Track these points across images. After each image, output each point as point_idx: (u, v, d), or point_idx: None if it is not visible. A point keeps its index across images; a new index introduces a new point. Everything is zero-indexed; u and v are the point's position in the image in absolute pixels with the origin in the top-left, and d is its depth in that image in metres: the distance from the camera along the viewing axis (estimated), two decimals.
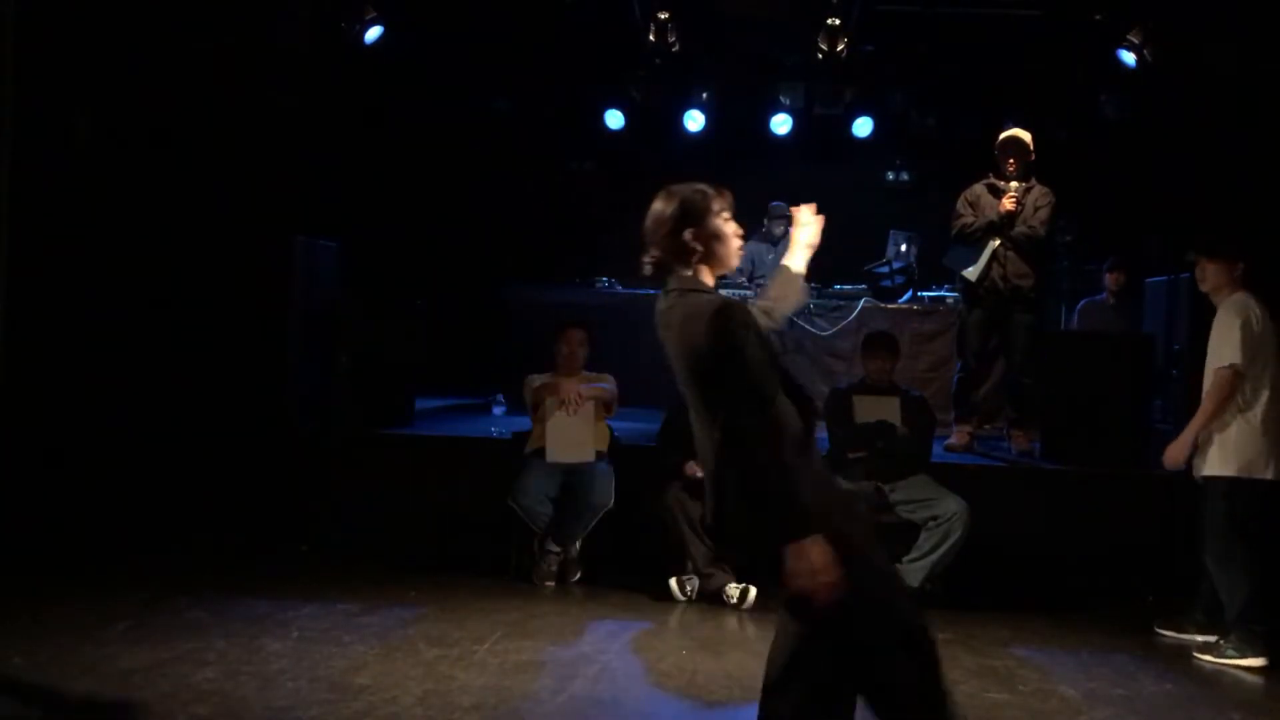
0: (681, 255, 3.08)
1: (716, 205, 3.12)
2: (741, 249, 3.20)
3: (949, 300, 8.79)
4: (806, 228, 3.40)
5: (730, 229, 3.14)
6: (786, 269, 3.37)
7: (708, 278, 3.13)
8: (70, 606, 5.14)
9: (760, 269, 9.74)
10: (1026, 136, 7.09)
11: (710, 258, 3.11)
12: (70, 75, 6.70)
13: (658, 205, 3.13)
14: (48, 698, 4.12)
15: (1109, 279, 8.69)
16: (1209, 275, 5.31)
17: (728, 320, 2.91)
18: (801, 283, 3.39)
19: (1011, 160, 7.04)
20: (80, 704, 4.08)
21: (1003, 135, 7.13)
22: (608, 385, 6.41)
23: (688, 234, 3.07)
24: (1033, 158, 7.08)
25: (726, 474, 2.94)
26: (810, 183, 10.55)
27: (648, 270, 3.14)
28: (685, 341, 2.98)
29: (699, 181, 3.16)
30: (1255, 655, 5.03)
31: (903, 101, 10.36)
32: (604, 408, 6.38)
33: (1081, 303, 8.86)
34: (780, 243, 9.87)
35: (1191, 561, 5.49)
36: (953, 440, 7.27)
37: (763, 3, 9.09)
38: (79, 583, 5.59)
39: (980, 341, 7.24)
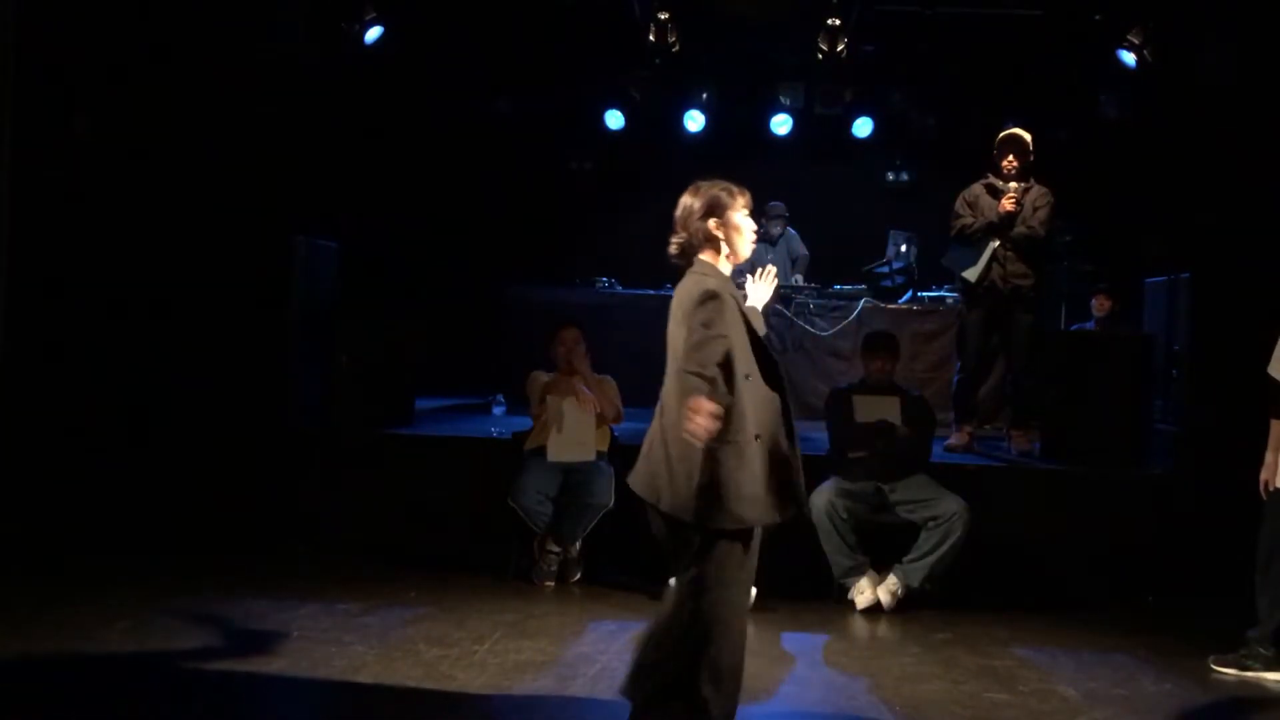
0: (703, 241, 3.62)
1: (739, 201, 3.62)
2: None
3: (949, 300, 8.79)
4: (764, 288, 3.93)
5: (748, 224, 3.66)
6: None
7: (723, 266, 3.65)
8: (70, 606, 5.14)
9: (759, 268, 9.73)
10: (1026, 136, 7.09)
11: (729, 245, 3.63)
12: (70, 75, 6.70)
13: (687, 198, 3.66)
14: (48, 697, 4.13)
15: (1096, 304, 8.70)
16: None
17: (713, 297, 3.47)
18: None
19: (1010, 159, 7.04)
20: (80, 704, 4.08)
21: (1002, 134, 7.13)
22: (618, 403, 6.39)
23: (711, 223, 3.60)
24: (1032, 158, 7.07)
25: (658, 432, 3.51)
26: (810, 183, 10.74)
27: (673, 249, 3.69)
28: (678, 308, 3.56)
29: (720, 179, 3.65)
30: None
31: (903, 101, 10.36)
32: (614, 415, 6.38)
33: (1073, 328, 8.88)
34: (778, 242, 9.88)
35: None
36: (953, 440, 7.27)
37: (763, 3, 9.09)
38: (79, 583, 5.59)
39: (980, 342, 7.24)
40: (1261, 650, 4.94)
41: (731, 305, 3.54)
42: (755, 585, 5.65)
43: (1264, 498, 5.03)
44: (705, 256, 3.63)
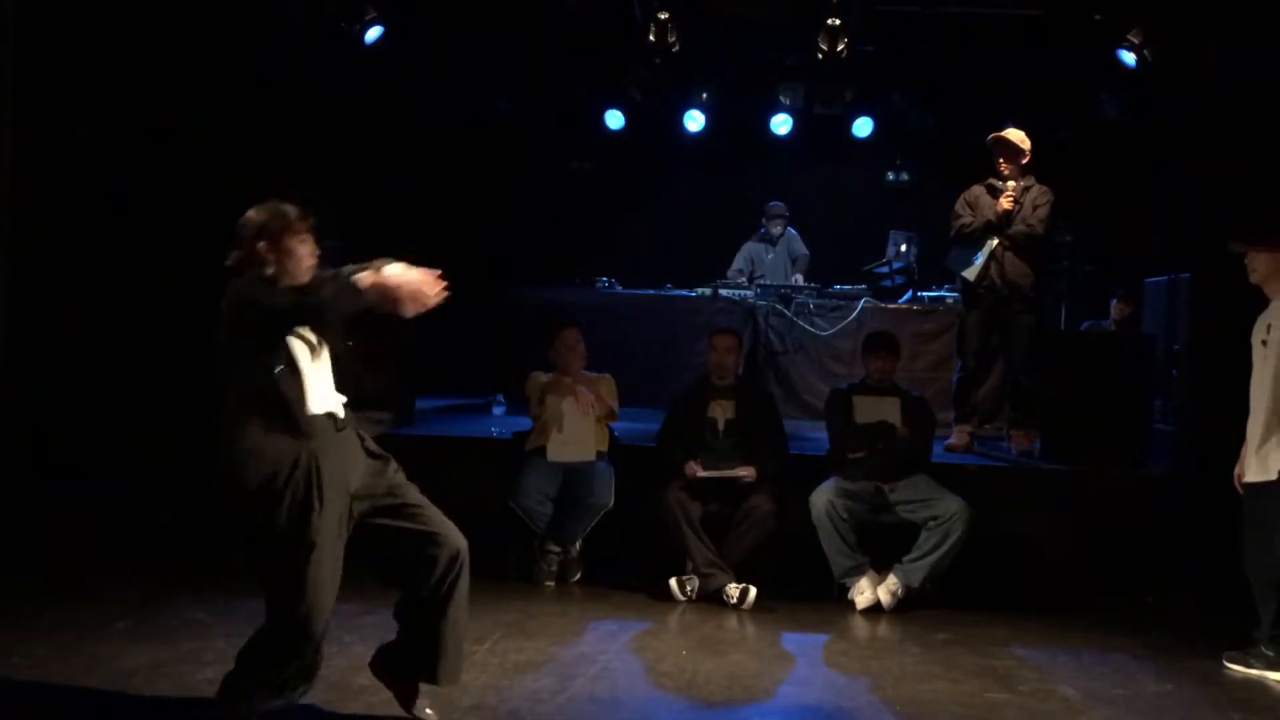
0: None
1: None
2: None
3: (949, 300, 8.79)
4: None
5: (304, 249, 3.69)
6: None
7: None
8: (70, 606, 5.14)
9: (759, 268, 9.75)
10: (1015, 136, 7.06)
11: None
12: (70, 75, 6.69)
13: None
14: (48, 698, 4.13)
15: (1115, 308, 8.71)
16: (1260, 265, 5.11)
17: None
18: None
19: (1002, 161, 7.04)
20: (80, 704, 4.09)
21: (991, 135, 7.13)
22: (613, 403, 6.40)
23: (261, 245, 3.67)
24: (1026, 158, 7.06)
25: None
26: (810, 183, 10.76)
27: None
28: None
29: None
30: None
31: (903, 101, 10.37)
32: (608, 413, 6.38)
33: (1084, 324, 8.88)
34: (779, 242, 9.89)
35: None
36: (953, 440, 7.27)
37: (763, 3, 9.09)
38: (79, 583, 5.59)
39: (980, 341, 7.24)
40: (1264, 650, 4.96)
41: None
42: (755, 585, 5.72)
43: (1239, 490, 5.13)
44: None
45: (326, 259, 3.82)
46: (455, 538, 3.84)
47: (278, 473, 3.55)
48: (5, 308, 6.34)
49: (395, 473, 3.90)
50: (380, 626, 5.07)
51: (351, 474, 3.74)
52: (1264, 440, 5.00)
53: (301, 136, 7.42)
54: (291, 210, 3.71)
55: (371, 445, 3.90)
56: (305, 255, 3.69)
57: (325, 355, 3.76)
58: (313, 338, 3.69)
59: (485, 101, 10.35)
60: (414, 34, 8.95)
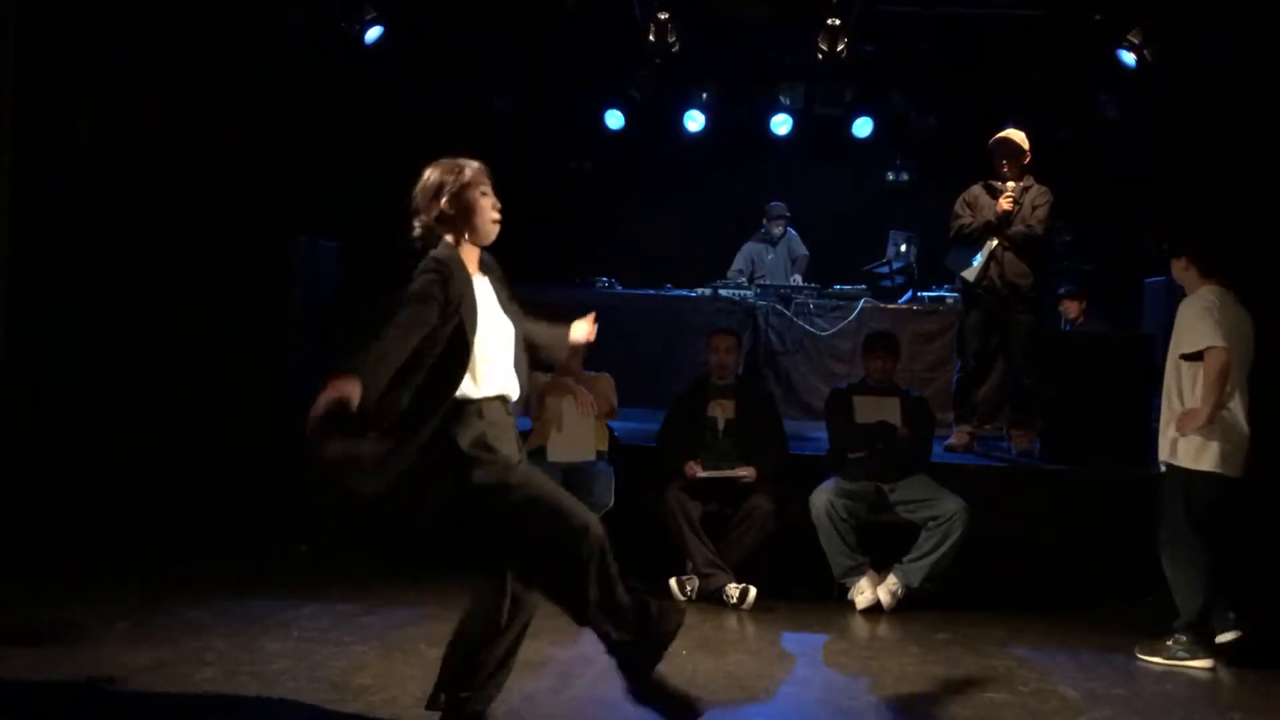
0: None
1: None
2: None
3: (949, 300, 8.78)
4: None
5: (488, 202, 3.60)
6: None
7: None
8: (70, 606, 5.14)
9: (760, 269, 9.74)
10: (1018, 137, 7.06)
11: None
12: (70, 76, 6.69)
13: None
14: (48, 698, 4.13)
15: (1065, 309, 8.67)
16: (1174, 271, 5.39)
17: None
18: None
19: (1004, 162, 7.03)
20: (80, 704, 4.09)
21: (994, 138, 7.12)
22: (613, 398, 6.40)
23: (444, 202, 3.55)
24: (1028, 159, 7.06)
25: None
26: (810, 183, 10.75)
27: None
28: None
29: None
30: (1205, 657, 5.04)
31: (903, 101, 10.37)
32: (609, 411, 6.39)
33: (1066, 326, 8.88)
34: (779, 243, 9.88)
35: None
36: (953, 440, 7.27)
37: (763, 3, 9.09)
38: (79, 583, 5.59)
39: (979, 342, 7.23)
40: (1183, 638, 5.07)
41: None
42: (755, 585, 5.72)
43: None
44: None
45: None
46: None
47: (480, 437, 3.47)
48: (5, 308, 6.34)
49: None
50: (380, 626, 5.09)
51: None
52: (1170, 428, 5.18)
53: (301, 136, 7.42)
54: (471, 162, 3.61)
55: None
56: (488, 208, 3.60)
57: (509, 338, 3.64)
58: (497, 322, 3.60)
59: (485, 101, 10.35)
60: (414, 34, 8.95)
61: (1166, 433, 5.22)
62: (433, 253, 3.52)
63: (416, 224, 3.59)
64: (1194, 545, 5.07)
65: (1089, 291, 8.82)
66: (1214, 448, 5.04)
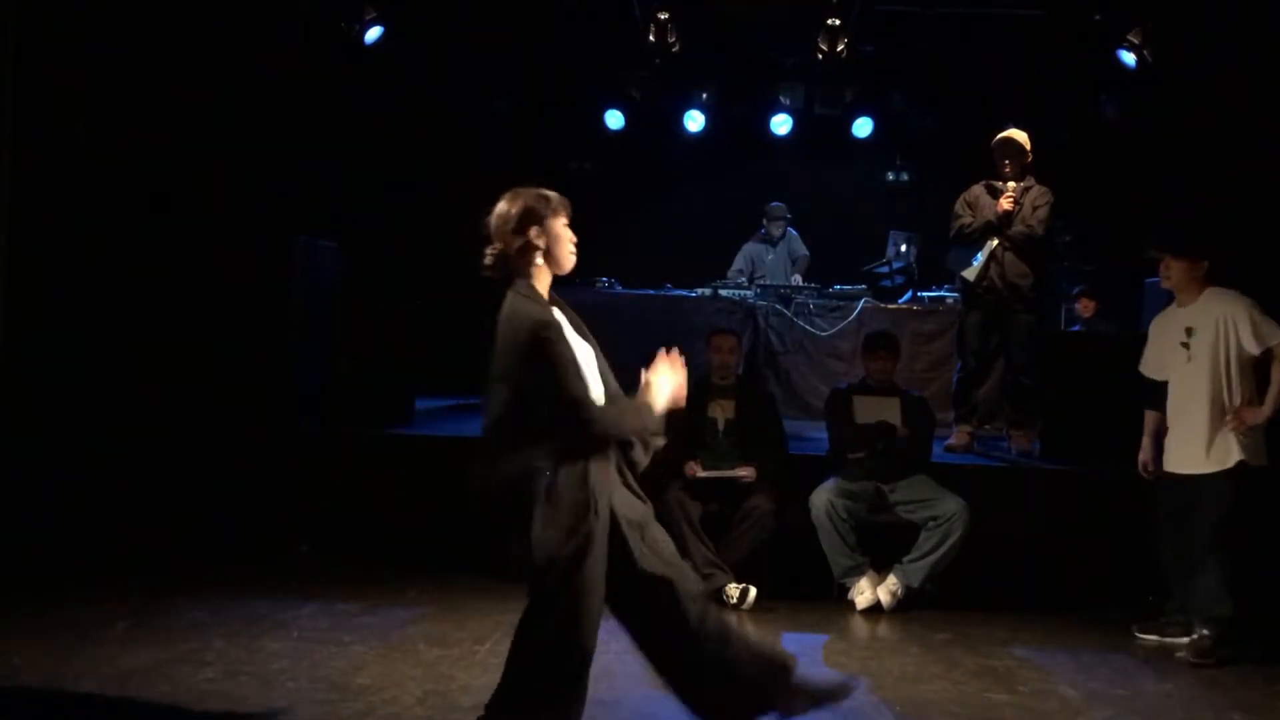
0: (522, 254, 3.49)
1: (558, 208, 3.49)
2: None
3: (949, 300, 8.79)
4: (665, 381, 3.77)
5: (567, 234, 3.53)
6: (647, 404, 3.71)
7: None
8: (70, 606, 5.14)
9: (760, 269, 9.74)
10: (1021, 137, 7.06)
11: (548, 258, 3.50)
12: (70, 76, 6.69)
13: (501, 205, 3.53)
14: (48, 698, 4.13)
15: (1080, 306, 8.70)
16: (1174, 273, 5.31)
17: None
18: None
19: (1007, 162, 7.03)
20: (80, 704, 4.09)
21: (997, 137, 7.12)
22: None
23: (533, 231, 3.48)
24: (1029, 159, 7.06)
25: None
26: (810, 183, 10.75)
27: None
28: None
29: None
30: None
31: (903, 101, 10.38)
32: None
33: (1075, 327, 8.89)
34: (779, 243, 9.88)
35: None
36: (953, 440, 7.27)
37: (763, 3, 9.10)
38: (79, 583, 5.59)
39: (979, 342, 7.23)
40: (1178, 618, 5.26)
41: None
42: (755, 585, 5.71)
43: (1145, 477, 5.50)
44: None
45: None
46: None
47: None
48: (5, 307, 6.34)
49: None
50: (380, 626, 5.09)
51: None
52: (1214, 433, 5.15)
53: (301, 136, 7.42)
54: (551, 193, 3.59)
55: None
56: (568, 238, 3.59)
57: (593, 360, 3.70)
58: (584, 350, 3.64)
59: (485, 102, 10.35)
60: (414, 34, 8.95)
61: (1191, 443, 5.21)
62: (518, 297, 3.59)
63: (489, 252, 3.62)
64: (1230, 550, 5.09)
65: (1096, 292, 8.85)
66: (1245, 441, 5.10)
